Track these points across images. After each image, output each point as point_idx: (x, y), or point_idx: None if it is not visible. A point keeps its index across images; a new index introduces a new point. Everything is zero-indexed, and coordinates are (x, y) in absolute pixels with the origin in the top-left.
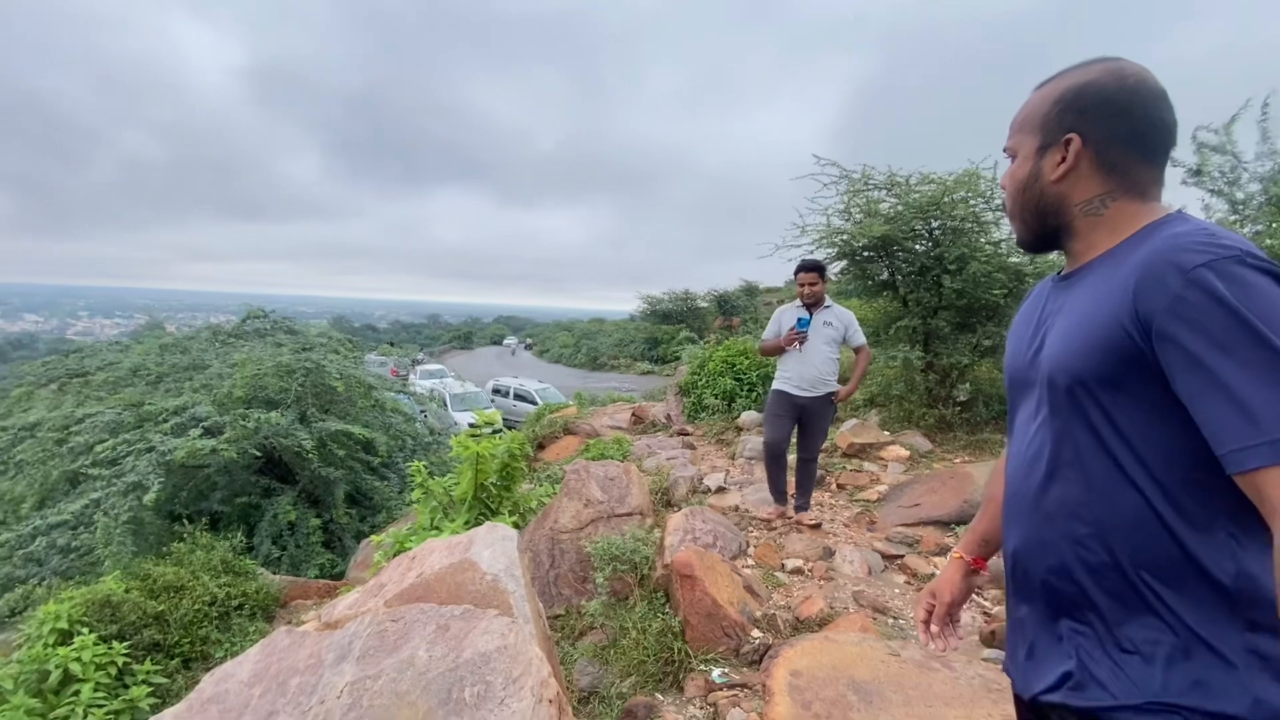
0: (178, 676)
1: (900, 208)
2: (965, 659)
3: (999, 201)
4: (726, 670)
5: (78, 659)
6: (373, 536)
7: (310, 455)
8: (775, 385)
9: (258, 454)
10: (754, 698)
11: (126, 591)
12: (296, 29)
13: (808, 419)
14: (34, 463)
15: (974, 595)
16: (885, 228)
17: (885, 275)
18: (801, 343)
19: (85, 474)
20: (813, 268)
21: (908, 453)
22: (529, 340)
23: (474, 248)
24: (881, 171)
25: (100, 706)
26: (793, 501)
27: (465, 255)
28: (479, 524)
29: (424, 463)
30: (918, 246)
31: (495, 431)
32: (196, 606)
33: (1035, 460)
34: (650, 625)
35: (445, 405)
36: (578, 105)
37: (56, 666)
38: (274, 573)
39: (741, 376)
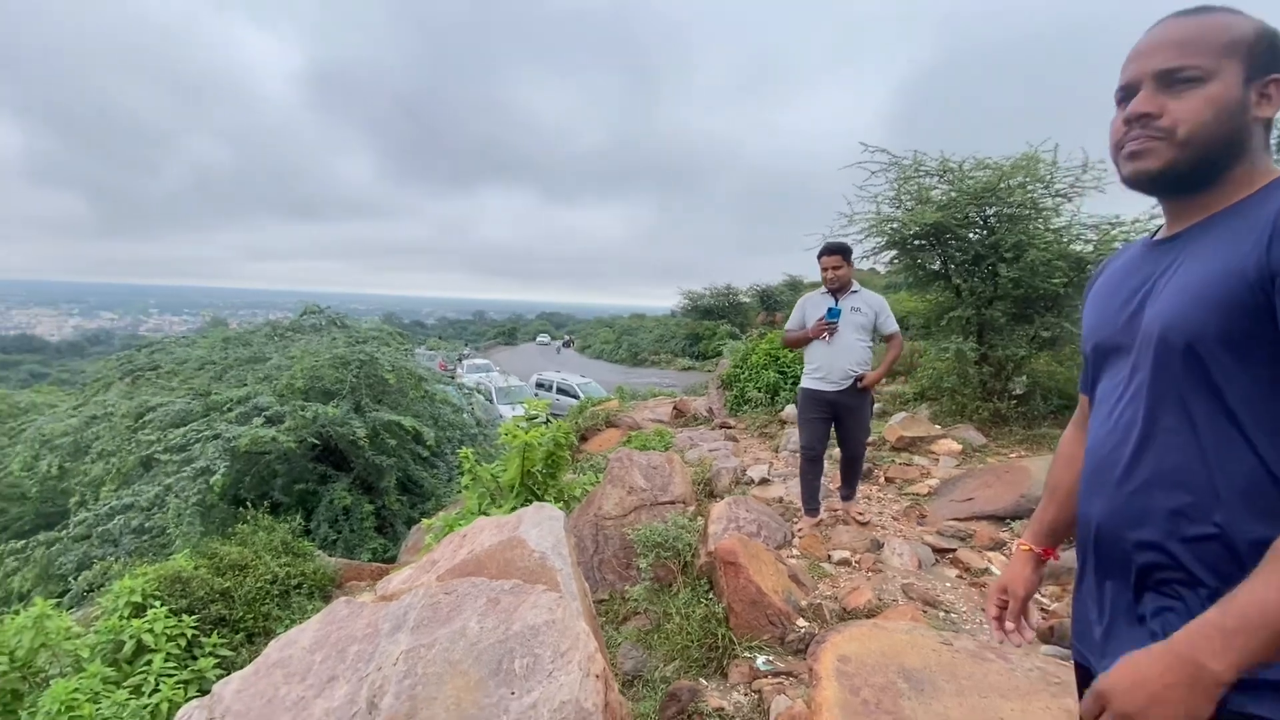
0: (242, 650)
1: (953, 194)
2: (1022, 651)
3: (1059, 187)
4: (771, 658)
5: (150, 630)
6: (424, 521)
7: (364, 444)
8: (803, 383)
9: (315, 442)
10: (799, 686)
11: (195, 569)
12: (353, 33)
13: (843, 415)
14: (111, 449)
15: None
16: (937, 215)
17: (937, 265)
18: (831, 334)
19: (157, 459)
20: (836, 250)
21: (960, 447)
22: (568, 337)
23: (517, 245)
24: (934, 157)
25: (170, 675)
26: (838, 493)
27: (509, 252)
28: None
29: (473, 450)
30: (972, 234)
31: (543, 421)
32: (259, 584)
33: (1128, 428)
34: (694, 611)
35: (491, 398)
36: (624, 100)
37: (130, 637)
38: (330, 555)
39: (785, 370)
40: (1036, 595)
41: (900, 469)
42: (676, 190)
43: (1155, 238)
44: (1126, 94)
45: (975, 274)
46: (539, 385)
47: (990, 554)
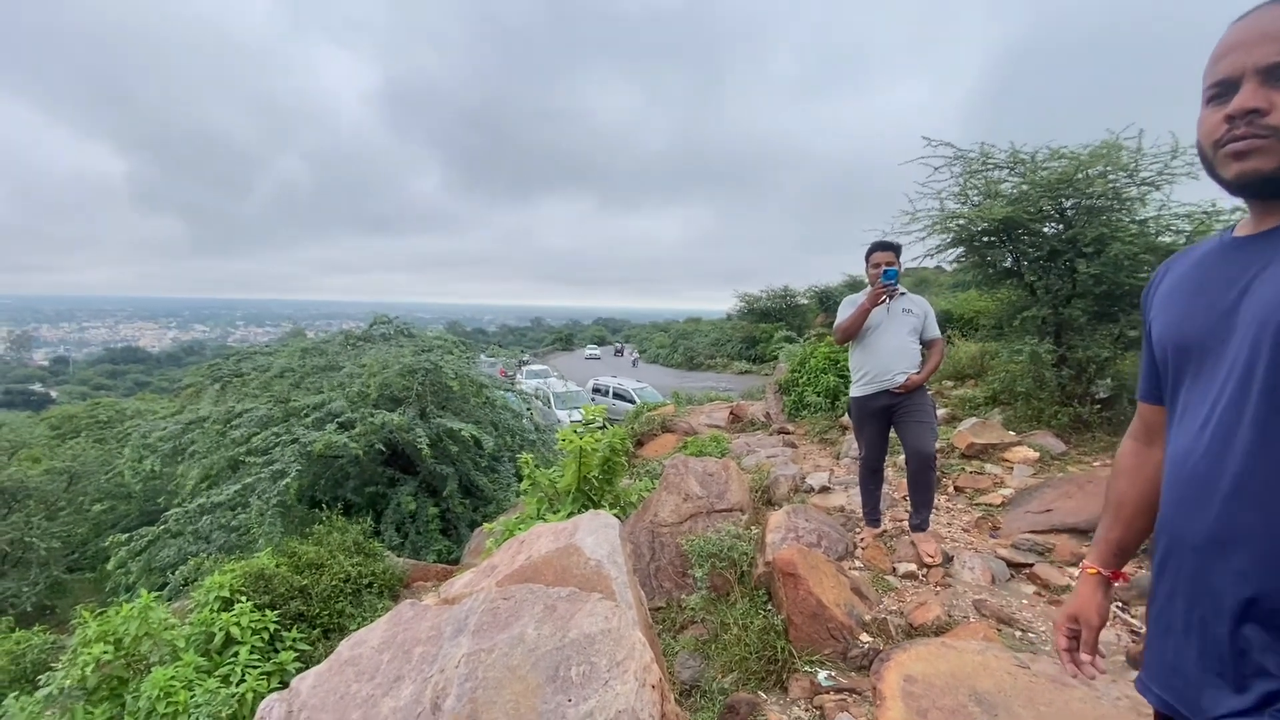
0: (319, 644)
1: (1025, 187)
2: (1109, 677)
3: (1146, 175)
4: (833, 673)
5: (237, 624)
6: (485, 525)
7: (426, 454)
8: (852, 393)
9: (383, 449)
10: (863, 703)
11: (276, 567)
12: (425, 46)
13: (900, 418)
14: (202, 450)
15: (1118, 611)
16: (1008, 209)
17: (1008, 262)
18: (891, 296)
19: (242, 461)
20: (888, 246)
21: (1036, 454)
22: (619, 345)
23: (575, 252)
24: (1003, 149)
25: (255, 667)
26: (908, 518)
27: (566, 259)
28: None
29: (532, 455)
30: (1046, 228)
31: (600, 427)
32: (334, 583)
33: (1228, 436)
34: (752, 622)
35: (549, 403)
36: (691, 101)
37: (220, 629)
38: (398, 556)
39: (845, 374)
40: (1125, 616)
41: (971, 478)
42: (738, 192)
43: (1235, 234)
44: (1223, 89)
45: (1051, 270)
46: (595, 390)
47: (1071, 570)
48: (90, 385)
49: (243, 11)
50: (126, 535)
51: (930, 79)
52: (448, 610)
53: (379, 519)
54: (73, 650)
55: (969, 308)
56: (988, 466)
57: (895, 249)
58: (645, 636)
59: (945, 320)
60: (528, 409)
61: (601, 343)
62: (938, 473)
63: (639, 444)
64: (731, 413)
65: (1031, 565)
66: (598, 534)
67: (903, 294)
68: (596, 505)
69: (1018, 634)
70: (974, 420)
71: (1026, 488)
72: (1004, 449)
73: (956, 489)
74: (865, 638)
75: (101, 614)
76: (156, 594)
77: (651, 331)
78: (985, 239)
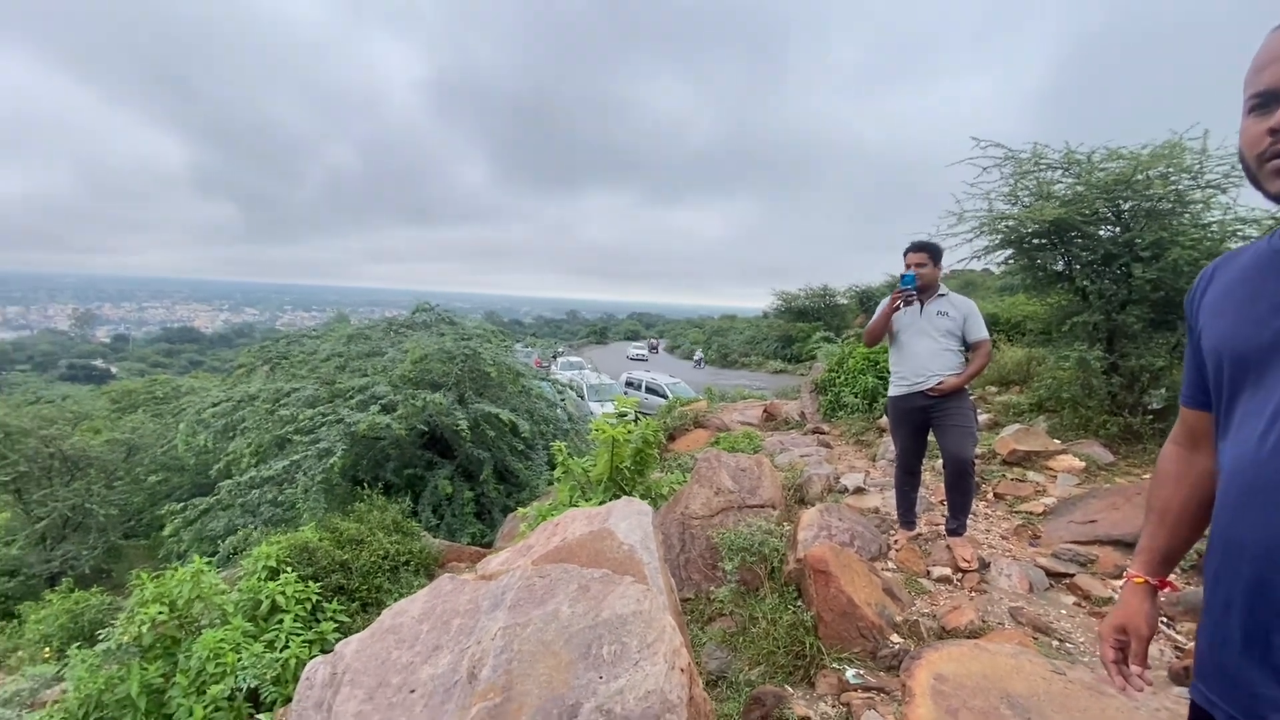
0: (357, 617)
1: (1079, 188)
2: (1150, 689)
3: (1210, 177)
4: (861, 671)
5: (282, 593)
6: (519, 509)
7: (465, 435)
8: (890, 393)
9: (424, 429)
10: (891, 702)
11: (320, 541)
12: (477, 37)
13: (938, 422)
14: (252, 427)
15: (1162, 626)
16: (1060, 211)
17: (1059, 265)
18: (908, 302)
19: (290, 439)
20: (922, 248)
21: (1082, 464)
22: (652, 340)
23: (614, 246)
24: (1057, 150)
25: (298, 635)
26: (944, 523)
27: (605, 253)
28: None
29: (565, 444)
30: (1101, 231)
31: (632, 419)
32: (373, 559)
33: None
34: (780, 617)
35: (583, 395)
36: (743, 94)
37: (266, 597)
38: (433, 537)
39: (884, 375)
40: (1168, 631)
41: (1011, 485)
42: (784, 187)
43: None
44: (1265, 100)
45: (1105, 275)
46: (628, 384)
47: (1115, 582)
48: (148, 363)
49: (304, 3)
50: (181, 505)
51: (996, 73)
52: (485, 585)
53: (417, 500)
54: (130, 609)
55: (1016, 311)
56: (1030, 474)
57: (932, 250)
58: (675, 622)
59: (991, 324)
60: (562, 398)
61: (634, 337)
62: (977, 478)
63: (671, 438)
64: (765, 410)
65: (1072, 576)
66: (630, 520)
67: (943, 295)
68: (628, 495)
69: (1055, 643)
70: (1017, 426)
71: (1070, 497)
72: (1048, 457)
73: (996, 495)
74: (896, 638)
75: (158, 577)
76: (207, 561)
77: (685, 327)
78: (1035, 241)
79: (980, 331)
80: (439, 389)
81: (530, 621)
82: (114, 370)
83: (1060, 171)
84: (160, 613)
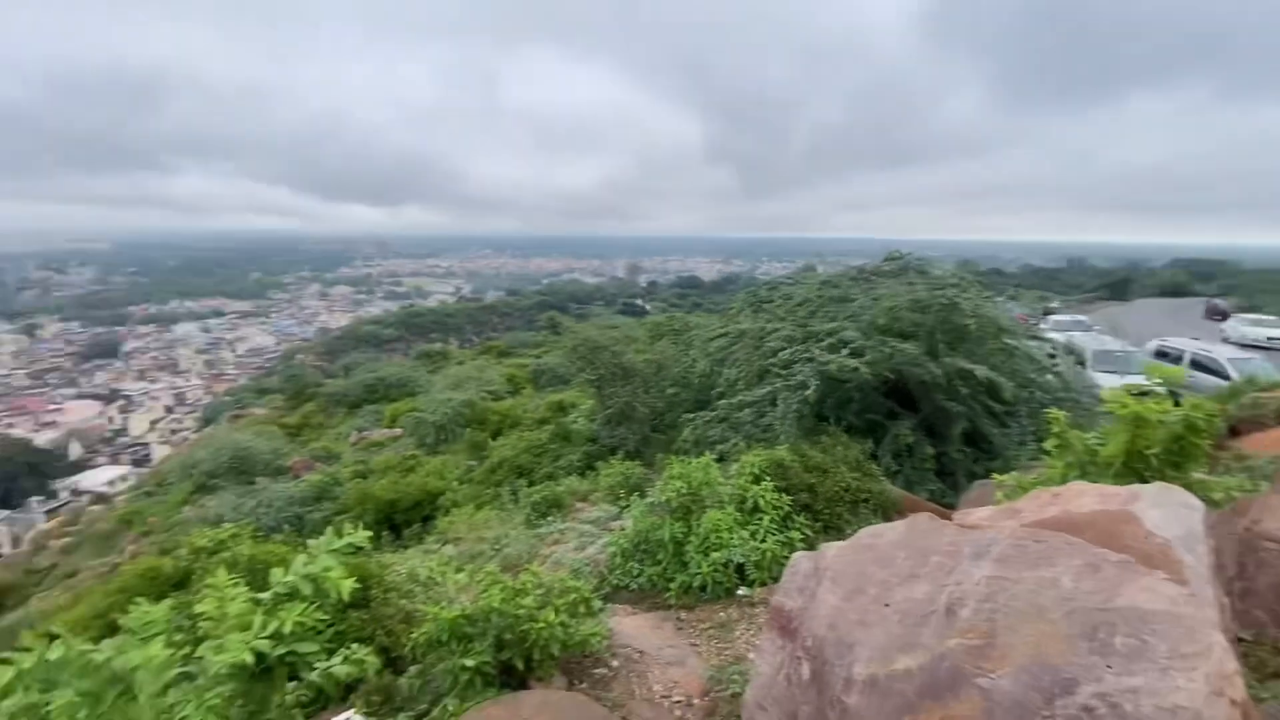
0: (820, 536)
1: None
2: None
3: None
4: None
5: (763, 497)
6: (994, 476)
7: (938, 387)
8: None
9: (889, 377)
10: None
11: (791, 461)
12: None
13: None
14: (741, 359)
15: None
16: None
17: None
18: None
19: (769, 370)
20: None
21: None
22: (1216, 301)
23: (1152, 168)
24: None
25: (773, 534)
26: None
27: (1137, 179)
28: None
29: (1063, 413)
30: None
31: (1172, 394)
32: (835, 489)
33: None
34: None
35: (1084, 363)
36: None
37: (751, 497)
38: (891, 483)
39: None
40: None
41: None
42: None
43: None
44: None
45: None
46: (1159, 355)
47: None
48: (668, 303)
49: None
50: (691, 415)
51: None
52: (967, 534)
53: (877, 445)
54: (665, 479)
55: None
56: None
57: None
58: (1229, 646)
59: None
60: (1055, 362)
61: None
62: None
63: (1233, 431)
64: None
65: None
66: (1168, 510)
67: None
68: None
69: None
70: None
71: None
72: None
73: None
74: None
75: (682, 461)
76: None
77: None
78: None
79: None
80: (908, 339)
81: (1021, 580)
82: (648, 308)
83: None
84: (682, 488)
